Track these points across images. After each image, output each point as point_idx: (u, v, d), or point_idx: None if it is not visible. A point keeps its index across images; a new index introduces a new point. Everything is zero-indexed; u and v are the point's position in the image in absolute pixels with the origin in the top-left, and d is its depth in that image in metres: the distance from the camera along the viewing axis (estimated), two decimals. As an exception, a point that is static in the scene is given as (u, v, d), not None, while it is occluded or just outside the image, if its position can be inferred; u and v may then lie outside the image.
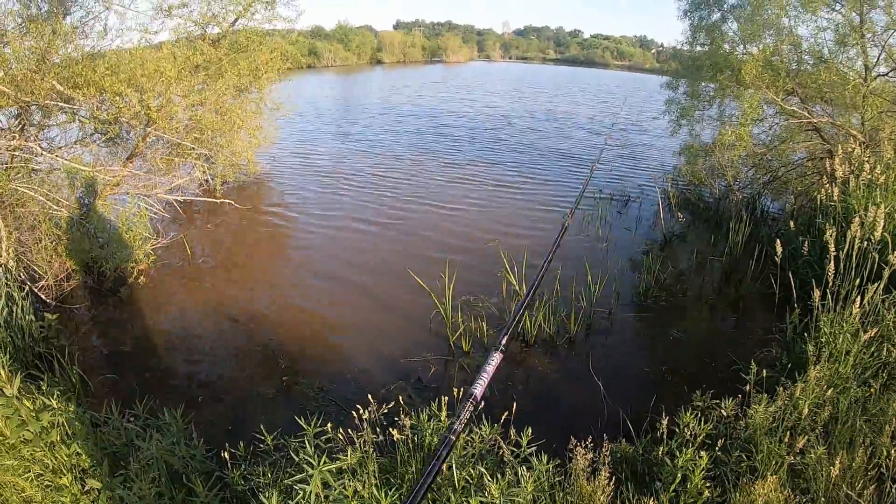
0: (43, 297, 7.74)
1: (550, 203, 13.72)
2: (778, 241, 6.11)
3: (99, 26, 9.21)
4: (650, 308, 8.39)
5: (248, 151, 12.64)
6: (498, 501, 3.43)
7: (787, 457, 3.95)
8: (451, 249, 10.36)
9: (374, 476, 3.72)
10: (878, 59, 10.11)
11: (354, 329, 7.74)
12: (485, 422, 4.13)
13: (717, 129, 13.12)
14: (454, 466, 3.70)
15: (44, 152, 8.84)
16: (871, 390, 4.71)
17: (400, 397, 4.47)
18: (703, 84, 13.33)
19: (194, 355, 6.94)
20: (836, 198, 7.62)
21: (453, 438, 1.34)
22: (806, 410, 4.36)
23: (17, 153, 8.80)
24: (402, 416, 4.06)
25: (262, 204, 13.23)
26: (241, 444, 4.33)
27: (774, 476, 3.61)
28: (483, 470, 3.69)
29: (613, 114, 31.64)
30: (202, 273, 9.33)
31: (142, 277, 8.65)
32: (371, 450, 3.83)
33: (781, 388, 4.73)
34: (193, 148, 10.76)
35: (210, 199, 11.82)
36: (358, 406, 4.10)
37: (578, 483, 3.71)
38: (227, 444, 4.19)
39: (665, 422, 4.37)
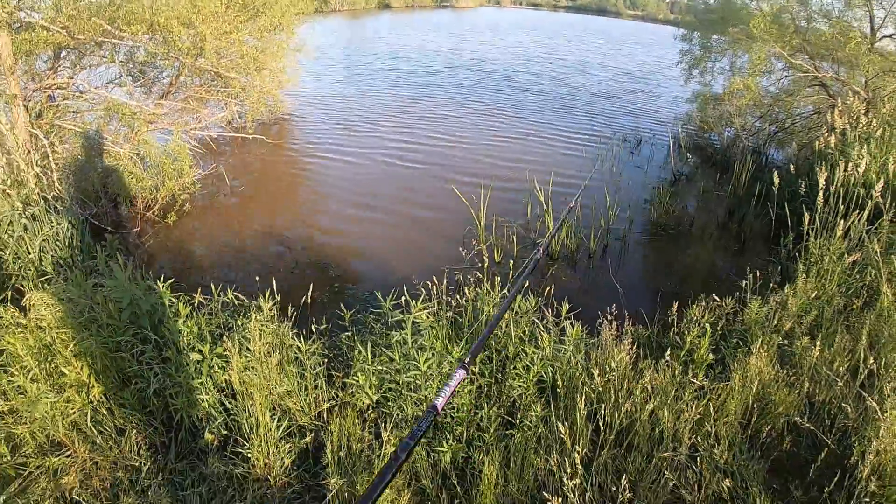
0: (96, 223, 8.15)
1: (571, 147, 14.40)
2: (776, 172, 6.92)
3: None
4: (661, 235, 9.20)
5: (275, 90, 13.28)
6: (547, 350, 4.38)
7: (775, 336, 4.74)
8: (475, 177, 11.12)
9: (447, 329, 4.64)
10: (883, 20, 10.66)
11: (393, 246, 8.52)
12: (530, 295, 4.98)
13: (728, 79, 13.81)
14: (511, 323, 4.61)
15: (91, 90, 9.39)
16: (854, 305, 5.46)
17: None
18: (715, 36, 13.93)
19: (250, 272, 7.49)
20: (833, 146, 8.31)
21: (412, 443, 1.46)
22: (794, 309, 5.15)
23: (57, 92, 9.34)
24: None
25: (289, 140, 13.86)
26: (324, 319, 5.03)
27: (766, 353, 4.38)
28: (539, 324, 4.71)
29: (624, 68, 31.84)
30: (243, 200, 9.96)
31: (187, 205, 9.21)
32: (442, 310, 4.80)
33: (773, 294, 5.53)
34: (237, 79, 11.24)
35: (242, 135, 12.34)
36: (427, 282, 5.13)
37: (608, 345, 4.56)
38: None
39: (675, 308, 5.24)
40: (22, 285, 6.42)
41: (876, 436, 3.46)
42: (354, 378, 4.29)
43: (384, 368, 4.34)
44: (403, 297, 4.66)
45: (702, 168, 13.01)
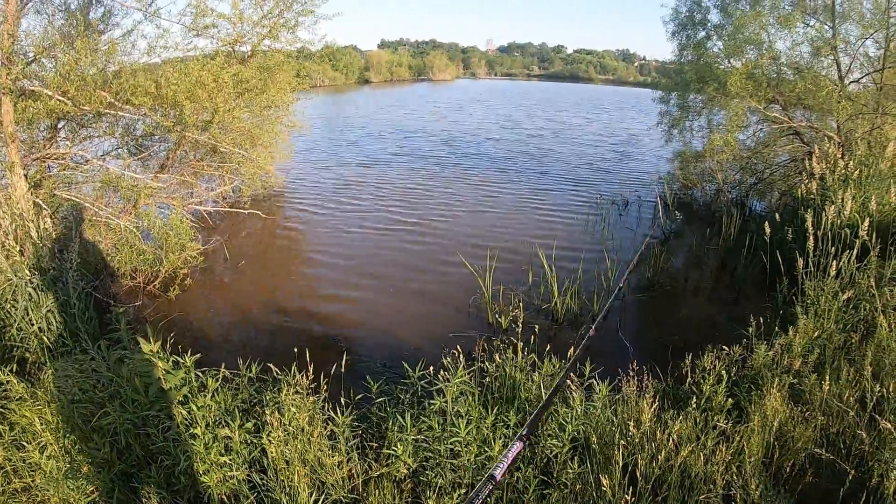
0: (98, 296, 8.05)
1: (556, 211, 14.67)
2: (766, 222, 7.23)
3: (143, 43, 9.73)
4: (657, 292, 9.29)
5: (269, 165, 13.38)
6: (578, 409, 4.46)
7: (785, 377, 4.88)
8: (474, 247, 11.23)
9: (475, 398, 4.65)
10: (849, 66, 11.23)
11: (398, 315, 8.50)
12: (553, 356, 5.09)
13: (707, 136, 14.26)
14: (541, 385, 4.76)
15: (93, 160, 9.43)
16: (853, 339, 5.63)
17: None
18: (691, 96, 14.30)
19: (255, 347, 7.48)
20: (815, 191, 8.64)
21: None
22: (799, 349, 5.31)
23: (56, 162, 9.40)
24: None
25: (284, 214, 13.96)
26: (352, 391, 5.08)
27: (778, 393, 4.51)
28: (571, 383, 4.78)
29: (607, 130, 32.46)
30: (243, 274, 9.96)
31: (188, 279, 9.17)
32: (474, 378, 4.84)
33: (776, 338, 5.69)
34: (237, 153, 11.45)
35: (237, 210, 12.41)
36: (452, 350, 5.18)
37: (632, 399, 4.65)
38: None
39: (688, 360, 5.43)
40: (25, 357, 6.37)
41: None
42: (392, 449, 4.26)
43: (422, 437, 4.35)
44: (431, 368, 4.86)
45: (688, 224, 13.27)
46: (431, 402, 4.63)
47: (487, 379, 5.22)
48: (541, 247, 10.03)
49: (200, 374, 4.69)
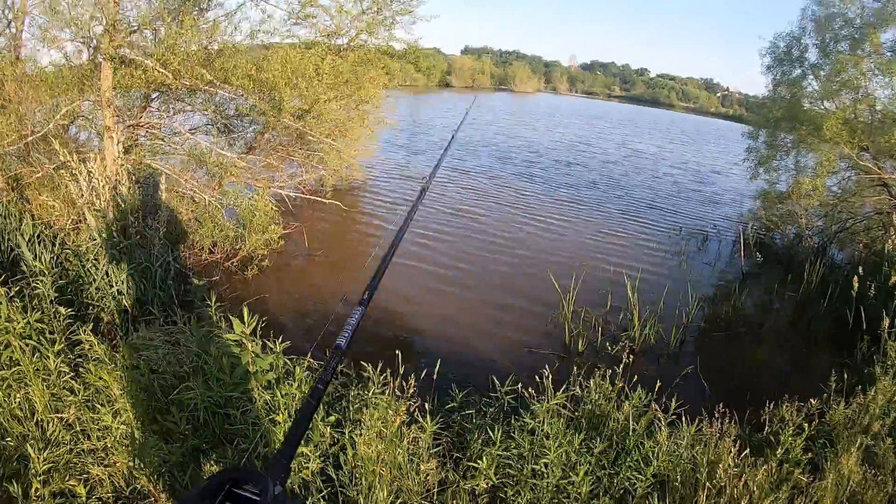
0: (177, 266, 7.94)
1: (636, 237, 14.46)
2: (855, 276, 6.97)
3: (245, 25, 9.81)
4: (732, 332, 9.00)
5: (353, 158, 13.59)
6: (664, 446, 4.34)
7: (862, 437, 4.73)
8: (553, 263, 11.07)
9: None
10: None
11: (476, 325, 8.42)
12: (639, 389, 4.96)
13: (793, 177, 13.79)
14: (631, 417, 4.65)
15: (184, 132, 9.65)
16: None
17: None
18: (781, 135, 13.96)
19: (328, 337, 7.33)
20: (900, 247, 8.37)
21: (321, 388, 1.42)
22: (877, 410, 5.13)
23: (147, 131, 9.60)
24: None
25: (364, 208, 13.99)
26: (435, 398, 5.02)
27: (855, 453, 4.38)
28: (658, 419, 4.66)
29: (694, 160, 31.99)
30: (319, 264, 10.02)
31: (266, 261, 9.22)
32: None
33: (854, 396, 5.52)
34: (325, 142, 11.55)
35: (318, 198, 12.40)
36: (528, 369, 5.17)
37: (711, 442, 4.53)
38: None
39: (768, 409, 5.36)
40: (100, 316, 6.49)
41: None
42: (476, 462, 4.20)
43: (508, 454, 4.29)
44: (519, 385, 4.85)
45: (767, 266, 12.83)
46: (517, 417, 4.60)
47: (573, 403, 5.12)
48: (620, 272, 9.97)
49: (288, 360, 4.69)
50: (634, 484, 4.25)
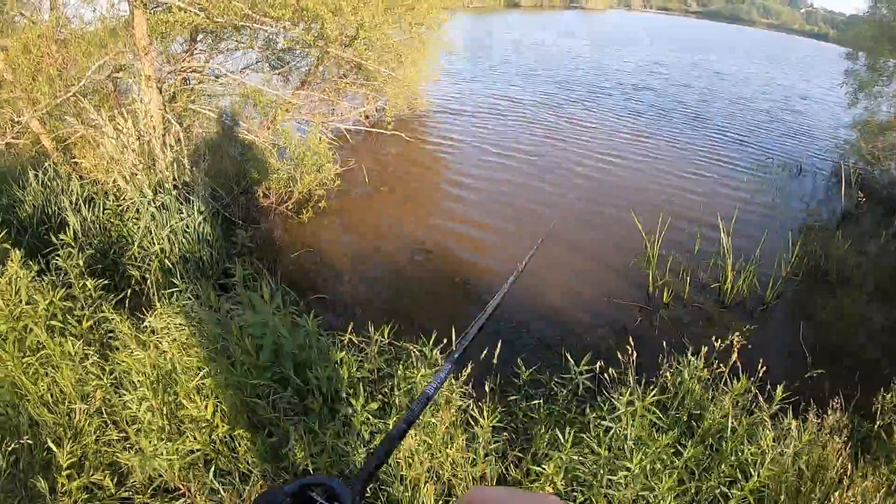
0: (227, 215, 7.79)
1: (727, 172, 13.04)
2: None
3: None
4: (831, 285, 7.97)
5: (415, 85, 12.68)
6: (768, 451, 3.51)
7: None
8: (633, 201, 10.08)
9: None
10: None
11: (547, 268, 7.62)
12: (741, 375, 4.04)
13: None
14: (730, 416, 3.76)
15: (228, 74, 9.06)
16: None
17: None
18: (884, 59, 12.61)
19: (386, 287, 6.98)
20: None
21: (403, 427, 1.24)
22: None
23: (192, 75, 9.11)
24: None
25: (429, 138, 13.24)
26: (497, 374, 4.22)
27: None
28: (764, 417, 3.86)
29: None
30: (380, 201, 9.45)
31: (323, 201, 8.74)
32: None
33: None
34: (380, 71, 10.68)
35: (379, 130, 11.82)
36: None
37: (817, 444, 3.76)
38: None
39: (881, 396, 4.43)
40: (144, 279, 6.13)
41: None
42: (542, 467, 3.47)
43: (580, 458, 3.54)
44: (599, 363, 4.03)
45: (868, 206, 11.29)
46: (594, 407, 3.85)
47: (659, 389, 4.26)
48: (707, 210, 9.24)
49: (323, 335, 4.16)
50: (729, 500, 3.47)
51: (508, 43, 32.95)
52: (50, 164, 7.10)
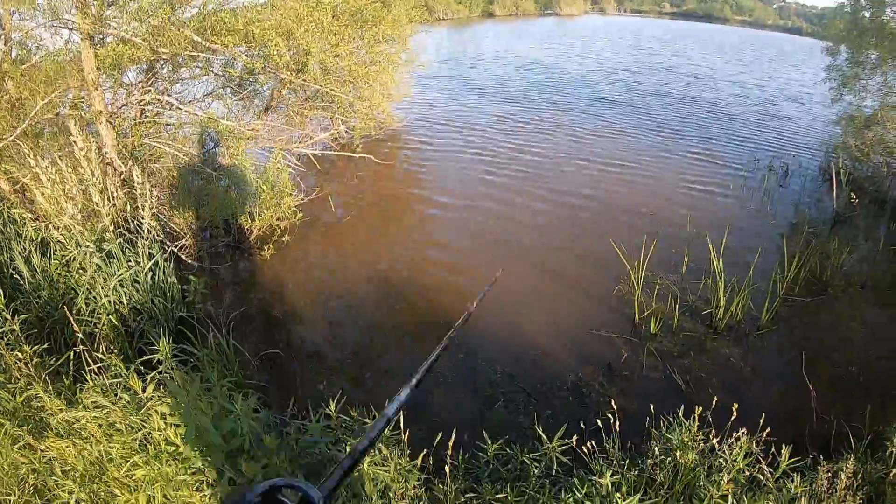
0: (183, 256, 7.46)
1: (710, 178, 12.46)
2: None
3: None
4: (829, 297, 7.48)
5: (384, 104, 12.17)
6: None
7: None
8: (614, 218, 9.67)
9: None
10: None
11: (525, 300, 7.17)
12: (743, 434, 3.53)
13: (882, 99, 12.07)
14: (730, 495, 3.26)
15: (181, 106, 8.64)
16: None
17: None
18: (865, 52, 12.31)
19: (353, 325, 6.56)
20: None
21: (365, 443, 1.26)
22: None
23: (148, 107, 8.66)
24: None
25: (401, 160, 12.83)
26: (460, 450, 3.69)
27: None
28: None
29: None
30: (346, 231, 8.99)
31: (286, 235, 8.38)
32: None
33: None
34: (341, 96, 10.28)
35: (348, 154, 11.39)
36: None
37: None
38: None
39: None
40: (94, 333, 5.63)
41: None
42: None
43: None
44: (574, 438, 3.49)
45: (861, 205, 10.83)
46: (569, 490, 3.32)
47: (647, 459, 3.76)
48: (693, 223, 8.84)
49: (258, 412, 3.63)
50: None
51: (484, 55, 32.42)
52: (3, 208, 6.80)
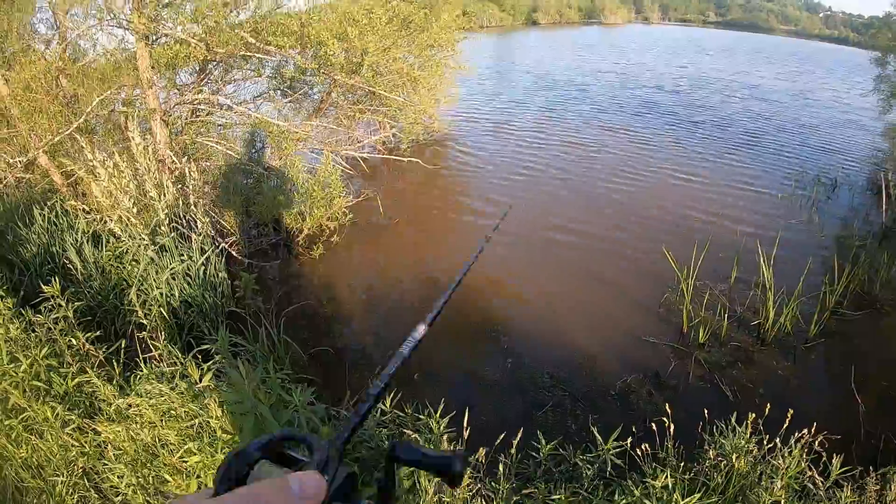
0: (234, 253, 7.49)
1: (760, 189, 12.27)
2: None
3: None
4: (878, 311, 7.34)
5: (432, 109, 12.28)
6: None
7: None
8: (663, 227, 9.63)
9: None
10: None
11: (573, 308, 7.19)
12: (796, 441, 3.54)
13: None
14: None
15: (233, 106, 8.82)
16: None
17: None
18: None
19: (400, 327, 6.52)
20: None
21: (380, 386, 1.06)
22: None
23: (200, 107, 8.88)
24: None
25: (448, 164, 12.86)
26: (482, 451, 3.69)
27: None
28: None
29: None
30: (396, 233, 9.10)
31: (335, 236, 8.43)
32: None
33: None
34: (392, 98, 10.36)
35: (396, 157, 11.43)
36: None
37: None
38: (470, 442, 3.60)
39: None
40: (142, 326, 5.60)
41: None
42: None
43: None
44: (629, 440, 3.47)
45: None
46: (624, 491, 3.33)
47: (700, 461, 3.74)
48: (742, 233, 8.80)
49: (313, 405, 3.72)
50: None
51: (530, 62, 32.40)
52: (56, 201, 6.85)
